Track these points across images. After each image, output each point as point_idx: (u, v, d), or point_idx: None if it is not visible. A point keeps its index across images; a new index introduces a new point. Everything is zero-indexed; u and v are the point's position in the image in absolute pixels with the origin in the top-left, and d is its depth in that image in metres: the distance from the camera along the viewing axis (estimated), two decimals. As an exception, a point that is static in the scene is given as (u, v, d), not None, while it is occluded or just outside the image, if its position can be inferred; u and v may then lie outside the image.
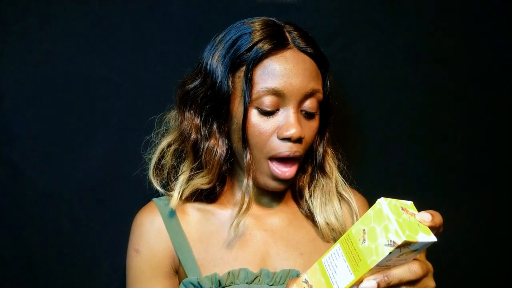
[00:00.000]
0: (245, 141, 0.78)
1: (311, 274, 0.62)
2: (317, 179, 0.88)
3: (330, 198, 0.87)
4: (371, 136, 1.08)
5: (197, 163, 0.83)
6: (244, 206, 0.79)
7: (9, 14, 0.94)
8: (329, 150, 0.89)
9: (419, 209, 0.59)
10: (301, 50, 0.79)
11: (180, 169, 0.86)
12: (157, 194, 0.89)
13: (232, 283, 0.78)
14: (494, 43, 1.09)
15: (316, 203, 0.87)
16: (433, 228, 0.58)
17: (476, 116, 1.10)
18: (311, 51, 0.79)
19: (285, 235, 0.85)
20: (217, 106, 0.80)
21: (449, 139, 1.10)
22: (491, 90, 1.10)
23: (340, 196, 0.89)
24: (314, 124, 0.81)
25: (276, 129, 0.77)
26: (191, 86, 0.82)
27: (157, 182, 0.87)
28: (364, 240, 0.56)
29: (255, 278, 0.79)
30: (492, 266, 1.12)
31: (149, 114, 0.92)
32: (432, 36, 1.07)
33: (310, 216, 0.88)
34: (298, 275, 0.79)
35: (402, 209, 0.56)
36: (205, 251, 0.82)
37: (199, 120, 0.82)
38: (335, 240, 0.83)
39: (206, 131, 0.82)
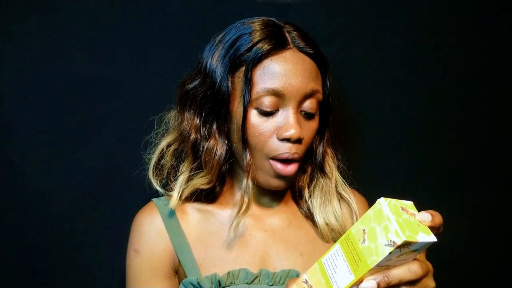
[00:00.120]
0: (244, 142, 0.78)
1: (311, 274, 0.62)
2: (316, 179, 0.88)
3: (330, 198, 0.87)
4: (371, 136, 1.07)
5: (196, 163, 0.83)
6: (244, 207, 0.79)
7: (9, 14, 0.94)
8: (328, 150, 0.89)
9: (419, 209, 0.59)
10: (301, 50, 0.79)
11: (180, 169, 0.86)
12: (156, 194, 0.89)
13: (232, 283, 0.78)
14: (494, 43, 1.09)
15: (315, 203, 0.87)
16: (433, 228, 0.58)
17: (476, 116, 1.10)
18: (311, 51, 0.79)
19: (285, 235, 0.85)
20: (216, 107, 0.79)
21: (449, 139, 1.10)
22: (491, 90, 1.10)
23: (340, 196, 0.89)
24: (313, 124, 0.81)
25: (276, 129, 0.77)
26: (191, 86, 0.82)
27: (157, 182, 0.87)
28: (364, 240, 0.55)
29: (255, 279, 0.79)
30: (492, 266, 1.12)
31: (149, 114, 0.92)
32: (432, 36, 1.07)
33: (309, 216, 0.88)
34: (298, 275, 0.79)
35: (402, 209, 0.56)
36: (205, 251, 0.82)
37: (198, 120, 0.82)
38: (334, 240, 0.83)
39: (206, 131, 0.82)
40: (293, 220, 0.88)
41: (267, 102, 0.76)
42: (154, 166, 0.88)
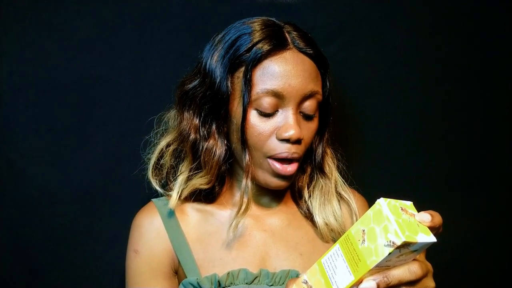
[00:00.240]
0: (244, 142, 0.78)
1: (311, 275, 0.62)
2: (316, 180, 0.88)
3: (329, 199, 0.87)
4: (371, 136, 1.07)
5: (196, 163, 0.83)
6: (243, 207, 0.79)
7: (9, 14, 0.94)
8: (328, 151, 0.89)
9: (419, 209, 0.59)
10: (301, 51, 0.78)
11: (179, 169, 0.86)
12: (156, 194, 0.89)
13: (231, 283, 0.78)
14: (494, 43, 1.09)
15: (315, 203, 0.87)
16: (432, 229, 0.58)
17: (476, 116, 1.10)
18: (311, 51, 0.79)
19: (285, 236, 0.85)
20: (216, 107, 0.79)
21: (449, 139, 1.10)
22: (491, 90, 1.10)
23: (340, 196, 0.89)
24: (313, 125, 0.81)
25: (275, 129, 0.77)
26: (190, 86, 0.82)
27: (156, 182, 0.87)
28: (364, 240, 0.55)
29: (254, 279, 0.79)
30: (491, 266, 1.12)
31: (149, 114, 0.92)
32: (432, 36, 1.07)
33: (309, 217, 0.88)
34: (297, 276, 0.79)
35: (402, 209, 0.56)
36: (205, 252, 0.82)
37: (198, 120, 0.82)
38: (334, 241, 0.83)
39: (205, 132, 0.81)
40: (293, 220, 0.88)
41: (267, 103, 0.76)
42: (153, 166, 0.88)
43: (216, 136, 0.81)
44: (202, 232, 0.84)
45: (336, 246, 0.59)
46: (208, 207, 0.86)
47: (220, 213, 0.85)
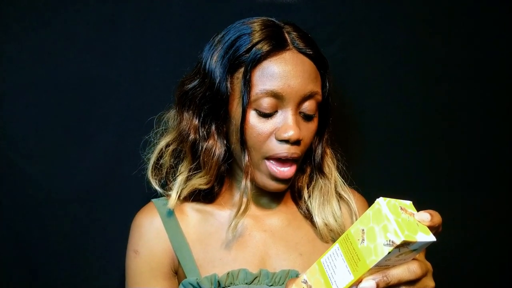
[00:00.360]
0: (243, 143, 0.78)
1: (310, 275, 0.62)
2: (315, 180, 0.88)
3: (329, 199, 0.87)
4: (371, 136, 1.07)
5: (195, 163, 0.83)
6: (242, 208, 0.79)
7: (9, 14, 0.94)
8: (328, 151, 0.89)
9: (418, 209, 0.59)
10: (300, 51, 0.78)
11: (179, 170, 0.86)
12: (156, 194, 0.89)
13: (231, 283, 0.78)
14: (494, 43, 1.09)
15: (314, 204, 0.87)
16: (432, 228, 0.57)
17: (476, 116, 1.10)
18: (311, 52, 0.79)
19: (284, 236, 0.85)
20: (215, 107, 0.79)
21: (449, 139, 1.10)
22: (491, 90, 1.10)
23: (339, 196, 0.89)
24: (312, 125, 0.81)
25: (274, 130, 0.77)
26: (190, 86, 0.82)
27: (156, 182, 0.87)
28: (363, 240, 0.55)
29: (254, 279, 0.79)
30: (491, 266, 1.12)
31: (149, 114, 0.92)
32: (432, 36, 1.07)
33: (309, 217, 0.88)
34: (297, 276, 0.79)
35: (401, 208, 0.56)
36: (204, 252, 0.82)
37: (197, 120, 0.82)
38: (334, 241, 0.83)
39: (205, 132, 0.81)
40: (293, 221, 0.87)
41: (266, 103, 0.76)
42: (153, 165, 0.88)
43: (216, 136, 0.81)
44: (202, 232, 0.84)
45: (336, 246, 0.59)
46: (208, 207, 0.86)
47: (220, 213, 0.85)
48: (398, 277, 0.55)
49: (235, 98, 0.78)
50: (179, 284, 0.81)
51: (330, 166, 0.89)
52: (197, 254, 0.82)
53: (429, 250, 0.60)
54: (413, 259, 0.57)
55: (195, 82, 0.82)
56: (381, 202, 0.55)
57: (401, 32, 1.06)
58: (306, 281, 0.62)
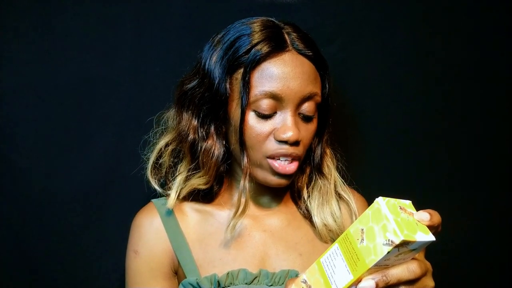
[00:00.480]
0: (242, 143, 0.77)
1: (310, 274, 0.62)
2: (315, 180, 0.88)
3: (328, 199, 0.87)
4: (371, 136, 1.07)
5: (194, 163, 0.83)
6: (240, 209, 0.79)
7: (9, 14, 0.94)
8: (327, 151, 0.89)
9: (418, 208, 0.59)
10: (300, 52, 0.78)
11: (178, 169, 0.86)
12: (154, 194, 0.89)
13: (231, 283, 0.78)
14: (494, 43, 1.09)
15: (313, 204, 0.87)
16: (431, 227, 0.57)
17: (476, 116, 1.10)
18: (310, 53, 0.79)
19: (284, 236, 0.85)
20: (214, 108, 0.79)
21: (449, 139, 1.10)
22: (491, 90, 1.10)
23: (339, 196, 0.89)
24: (312, 126, 0.81)
25: (273, 130, 0.77)
26: (189, 86, 0.82)
27: (155, 182, 0.87)
28: (363, 239, 0.55)
29: (254, 279, 0.79)
30: (491, 265, 1.12)
31: (149, 114, 0.92)
32: (432, 36, 1.07)
33: (308, 217, 0.87)
34: (297, 276, 0.78)
35: (401, 208, 0.56)
36: (204, 252, 0.82)
37: (196, 121, 0.82)
38: (333, 241, 0.83)
39: (204, 132, 0.81)
40: (292, 221, 0.87)
41: (265, 105, 0.76)
42: (152, 165, 0.88)
43: (215, 137, 0.81)
44: (201, 232, 0.84)
45: (335, 246, 0.59)
46: (207, 207, 0.86)
47: (219, 214, 0.85)
48: (397, 277, 0.55)
49: (234, 99, 0.78)
50: (179, 284, 0.81)
51: (330, 166, 0.88)
52: (197, 254, 0.82)
53: (429, 250, 0.60)
54: (413, 258, 0.57)
55: (195, 82, 0.81)
56: (381, 202, 0.55)
57: (401, 32, 1.06)
58: (305, 281, 0.62)
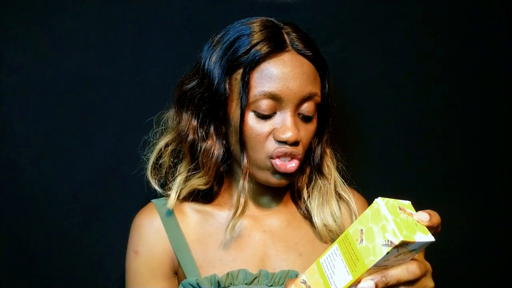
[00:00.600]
0: (242, 144, 0.77)
1: (310, 275, 0.62)
2: (315, 180, 0.88)
3: (328, 199, 0.86)
4: (371, 136, 1.07)
5: (194, 164, 0.83)
6: (240, 209, 0.79)
7: (9, 14, 0.94)
8: (327, 151, 0.89)
9: (418, 209, 0.59)
10: (300, 53, 0.78)
11: (178, 170, 0.86)
12: (154, 194, 0.89)
13: (231, 284, 0.78)
14: (494, 43, 1.09)
15: (313, 204, 0.86)
16: (431, 228, 0.57)
17: (476, 116, 1.10)
18: (310, 53, 0.78)
19: (284, 236, 0.85)
20: (214, 108, 0.79)
21: (449, 139, 1.10)
22: (491, 90, 1.10)
23: (339, 196, 0.89)
24: (311, 127, 0.81)
25: (273, 131, 0.77)
26: (189, 86, 0.82)
27: (155, 182, 0.87)
28: (362, 240, 0.55)
29: (254, 279, 0.79)
30: (491, 266, 1.12)
31: (149, 114, 0.92)
32: (432, 36, 1.07)
33: (308, 217, 0.87)
34: (297, 276, 0.78)
35: (400, 209, 0.56)
36: (204, 252, 0.82)
37: (196, 121, 0.82)
38: (333, 241, 0.83)
39: (203, 133, 0.81)
40: (292, 221, 0.87)
41: (264, 105, 0.76)
42: (152, 165, 0.88)
43: (214, 137, 0.81)
44: (201, 232, 0.84)
45: (335, 246, 0.59)
46: (207, 208, 0.86)
47: (219, 214, 0.85)
48: (397, 277, 0.55)
49: (233, 99, 0.78)
50: (178, 285, 0.81)
51: (330, 166, 0.88)
52: (197, 255, 0.82)
53: (429, 250, 0.60)
54: (412, 259, 0.57)
55: (194, 83, 0.81)
56: (380, 202, 0.55)
57: (401, 32, 1.06)
58: (305, 281, 0.62)
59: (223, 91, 0.77)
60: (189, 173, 0.84)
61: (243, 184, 0.78)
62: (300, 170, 0.86)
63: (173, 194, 0.82)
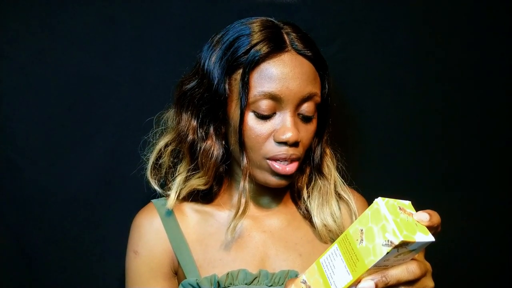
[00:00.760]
0: (241, 144, 0.77)
1: (309, 275, 0.62)
2: (315, 180, 0.88)
3: (328, 200, 0.86)
4: (371, 136, 1.07)
5: (194, 164, 0.83)
6: (241, 210, 0.79)
7: (9, 14, 0.94)
8: (327, 151, 0.89)
9: (418, 209, 0.59)
10: (299, 53, 0.78)
11: (177, 170, 0.86)
12: (154, 194, 0.89)
13: (231, 284, 0.78)
14: (494, 43, 1.09)
15: (313, 204, 0.86)
16: (431, 228, 0.57)
17: (476, 116, 1.10)
18: (309, 54, 0.78)
19: (284, 236, 0.85)
20: (213, 109, 0.79)
21: (449, 139, 1.10)
22: (491, 90, 1.10)
23: (339, 196, 0.89)
24: (311, 127, 0.81)
25: (273, 131, 0.77)
26: (188, 86, 0.82)
27: (155, 182, 0.88)
28: (362, 240, 0.55)
29: (254, 279, 0.79)
30: (491, 266, 1.12)
31: (149, 114, 0.92)
32: (432, 36, 1.07)
33: (308, 217, 0.87)
34: (296, 276, 0.78)
35: (400, 208, 0.56)
36: (204, 252, 0.82)
37: (196, 121, 0.82)
38: (333, 241, 0.83)
39: (203, 133, 0.81)
40: (292, 221, 0.87)
41: (264, 105, 0.76)
42: (152, 166, 0.88)
43: (214, 137, 0.81)
44: (201, 232, 0.84)
45: (335, 246, 0.59)
46: (207, 208, 0.86)
47: (219, 214, 0.85)
48: (397, 277, 0.55)
49: (233, 99, 0.78)
50: (178, 285, 0.81)
51: (330, 166, 0.88)
52: (197, 255, 0.82)
53: (429, 250, 0.60)
54: (412, 259, 0.57)
55: (194, 83, 0.81)
56: (380, 202, 0.55)
57: (401, 32, 1.06)
58: (305, 281, 0.62)
59: (223, 91, 0.77)
60: (189, 173, 0.84)
61: (244, 184, 0.78)
62: (300, 170, 0.86)
63: (172, 194, 0.82)
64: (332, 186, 0.87)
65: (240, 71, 0.76)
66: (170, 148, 0.87)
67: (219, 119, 0.80)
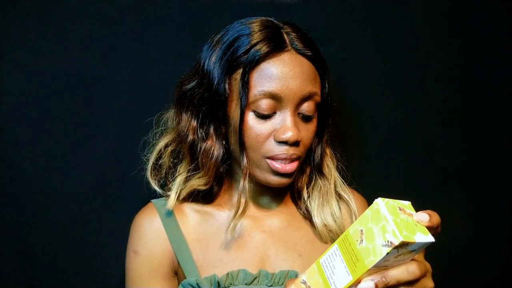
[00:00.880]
0: (242, 144, 0.77)
1: (309, 275, 0.62)
2: (315, 180, 0.88)
3: (328, 200, 0.86)
4: (371, 136, 1.07)
5: (194, 164, 0.83)
6: (240, 209, 0.79)
7: (9, 14, 0.94)
8: (328, 151, 0.89)
9: (418, 209, 0.59)
10: (299, 52, 0.78)
11: (178, 170, 0.86)
12: (154, 194, 0.89)
13: (231, 284, 0.78)
14: (494, 44, 1.09)
15: (313, 204, 0.86)
16: (431, 228, 0.58)
17: (476, 116, 1.10)
18: (309, 53, 0.78)
19: (284, 236, 0.85)
20: (213, 109, 0.79)
21: (448, 139, 1.10)
22: (491, 91, 1.10)
23: (339, 196, 0.89)
24: (311, 126, 0.81)
25: (273, 131, 0.77)
26: (188, 87, 0.82)
27: (155, 182, 0.88)
28: (362, 240, 0.55)
29: (254, 279, 0.79)
30: (491, 266, 1.12)
31: (149, 114, 0.92)
32: (432, 36, 1.07)
33: (308, 217, 0.87)
34: (296, 276, 0.79)
35: (400, 209, 0.56)
36: (204, 253, 0.82)
37: (196, 121, 0.82)
38: (333, 241, 0.83)
39: (203, 133, 0.81)
40: (292, 221, 0.87)
41: (264, 105, 0.76)
42: (152, 166, 0.88)
43: (214, 137, 0.81)
44: (201, 233, 0.84)
45: (334, 246, 0.59)
46: (207, 208, 0.86)
47: (219, 214, 0.85)
48: (396, 278, 0.55)
49: (233, 99, 0.78)
50: (178, 285, 0.81)
51: (330, 166, 0.88)
52: (197, 255, 0.82)
53: (428, 251, 0.60)
54: (412, 259, 0.57)
55: (194, 83, 0.81)
56: (380, 203, 0.55)
57: (401, 32, 1.06)
58: (305, 281, 0.62)
59: (223, 91, 0.77)
60: (189, 174, 0.84)
61: (244, 184, 0.79)
62: (300, 170, 0.86)
63: (173, 195, 0.82)
64: (332, 186, 0.87)
65: (240, 71, 0.76)
66: (170, 148, 0.87)
67: (219, 119, 0.80)
